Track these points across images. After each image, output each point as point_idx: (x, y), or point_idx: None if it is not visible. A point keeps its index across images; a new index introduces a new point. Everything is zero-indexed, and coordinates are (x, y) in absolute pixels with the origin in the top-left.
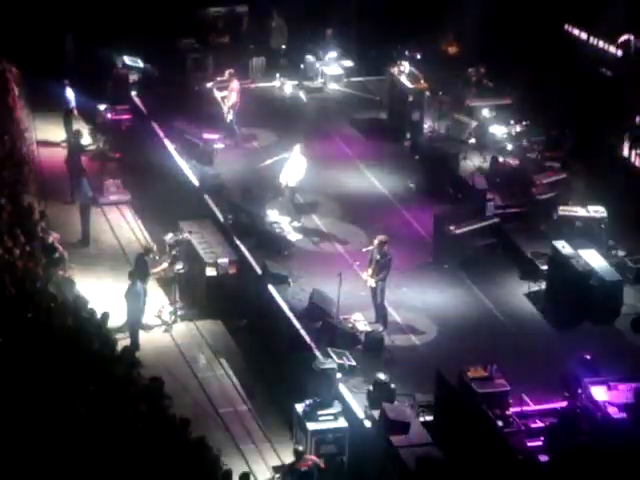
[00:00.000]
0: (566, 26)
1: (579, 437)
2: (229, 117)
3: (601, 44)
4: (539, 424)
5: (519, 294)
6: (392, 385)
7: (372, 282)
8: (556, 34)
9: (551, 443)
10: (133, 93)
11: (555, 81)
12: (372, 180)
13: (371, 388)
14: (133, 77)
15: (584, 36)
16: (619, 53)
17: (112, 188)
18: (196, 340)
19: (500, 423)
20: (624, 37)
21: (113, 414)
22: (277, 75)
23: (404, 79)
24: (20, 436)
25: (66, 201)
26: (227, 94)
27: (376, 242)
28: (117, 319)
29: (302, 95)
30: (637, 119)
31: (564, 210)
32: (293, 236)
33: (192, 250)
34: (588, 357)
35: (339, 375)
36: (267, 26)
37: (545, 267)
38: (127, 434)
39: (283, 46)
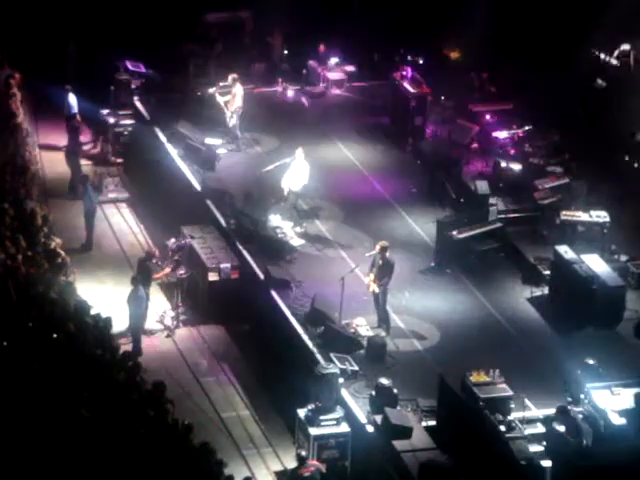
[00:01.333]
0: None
1: (579, 442)
2: (232, 122)
3: (601, 55)
4: (541, 429)
5: (522, 299)
6: (394, 390)
7: (375, 287)
8: (556, 38)
9: (551, 448)
10: (135, 98)
11: (557, 86)
12: (374, 185)
13: (373, 393)
14: (135, 82)
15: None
16: (616, 63)
17: (111, 186)
18: (198, 345)
19: (503, 428)
20: (622, 47)
21: (116, 419)
22: (279, 80)
23: (406, 84)
24: (24, 441)
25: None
26: (230, 99)
27: (378, 247)
28: (119, 324)
29: (304, 100)
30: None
31: (566, 215)
32: (295, 241)
33: (194, 255)
34: (591, 362)
35: (341, 380)
36: (266, 39)
37: (548, 272)
38: (130, 439)
39: (277, 58)
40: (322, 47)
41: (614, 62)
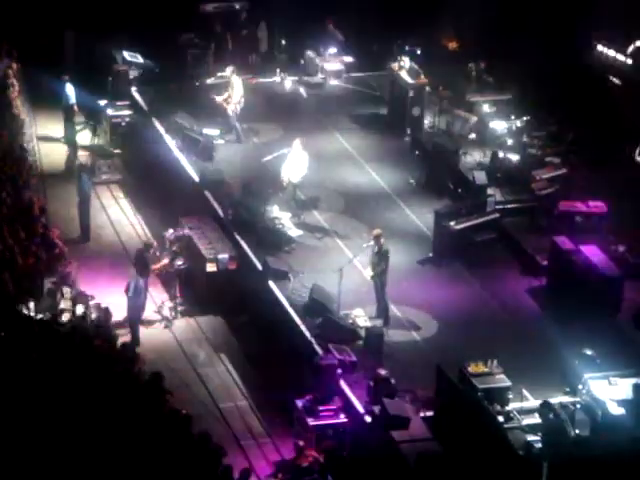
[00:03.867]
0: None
1: (577, 431)
2: (233, 113)
3: (611, 52)
4: (538, 419)
5: (520, 289)
6: (392, 380)
7: (369, 272)
8: (559, 28)
9: (547, 438)
10: (133, 89)
11: (556, 76)
12: (372, 175)
13: (371, 383)
14: (133, 73)
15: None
16: (629, 61)
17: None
18: (196, 336)
19: (500, 418)
20: (635, 45)
21: (114, 410)
22: (277, 71)
23: (404, 74)
24: (20, 432)
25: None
26: (229, 92)
27: (372, 235)
28: (118, 315)
29: (302, 91)
30: None
31: (565, 205)
32: (294, 232)
33: (192, 246)
34: (589, 352)
35: (339, 370)
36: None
37: (546, 262)
38: (128, 429)
39: (264, 49)
40: (330, 24)
41: (626, 59)
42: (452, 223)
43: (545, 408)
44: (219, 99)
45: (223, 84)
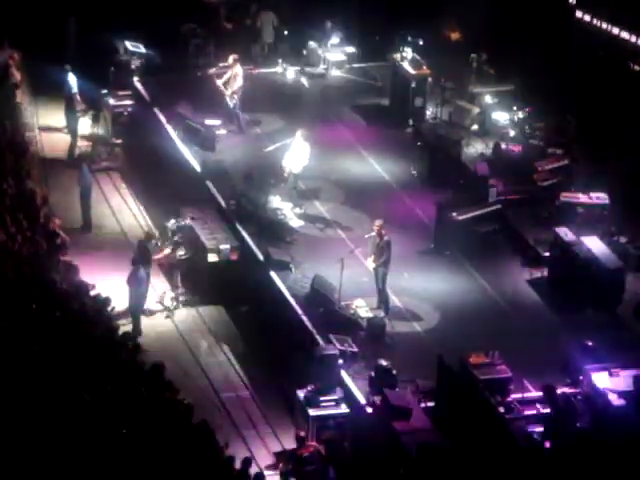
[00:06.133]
0: (578, 13)
1: (579, 424)
2: (233, 103)
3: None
4: (540, 410)
5: (521, 281)
6: (394, 371)
7: (372, 264)
8: (560, 18)
9: (550, 430)
10: (135, 79)
11: (558, 67)
12: (374, 166)
13: (373, 374)
14: (135, 63)
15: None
16: None
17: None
18: (198, 326)
19: (501, 409)
20: None
21: (115, 400)
22: (279, 61)
23: (406, 65)
24: (22, 422)
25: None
26: (230, 79)
27: (375, 227)
28: (119, 305)
29: (304, 81)
30: None
31: (566, 196)
32: (295, 222)
33: (194, 236)
34: (590, 344)
35: (341, 361)
36: (256, 21)
37: (547, 254)
38: (129, 419)
39: (270, 40)
40: (328, 24)
41: None
42: (454, 214)
43: (547, 394)
44: (219, 82)
45: (225, 73)
